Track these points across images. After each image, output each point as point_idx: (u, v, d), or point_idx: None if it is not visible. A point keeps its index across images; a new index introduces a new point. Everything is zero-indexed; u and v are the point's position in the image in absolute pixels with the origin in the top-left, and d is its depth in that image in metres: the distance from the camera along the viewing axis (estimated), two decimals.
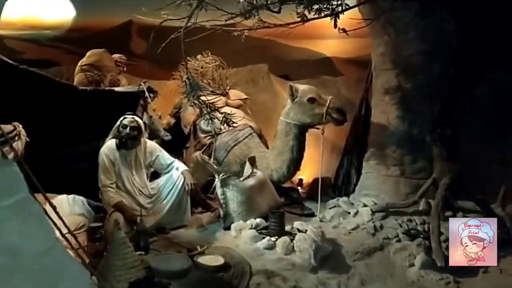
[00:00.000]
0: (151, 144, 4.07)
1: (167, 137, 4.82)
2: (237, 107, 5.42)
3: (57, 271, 1.36)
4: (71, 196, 3.83)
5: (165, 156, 4.08)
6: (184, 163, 5.00)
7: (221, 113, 4.28)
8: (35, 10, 6.73)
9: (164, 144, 5.16)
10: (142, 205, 3.85)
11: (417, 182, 4.41)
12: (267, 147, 5.07)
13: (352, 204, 4.58)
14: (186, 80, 2.75)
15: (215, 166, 4.67)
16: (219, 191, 4.02)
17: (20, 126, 2.60)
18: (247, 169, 4.46)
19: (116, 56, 5.36)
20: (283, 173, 4.61)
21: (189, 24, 2.66)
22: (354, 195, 4.79)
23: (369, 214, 4.16)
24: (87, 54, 5.19)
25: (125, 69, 5.47)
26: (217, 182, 4.04)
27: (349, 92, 6.24)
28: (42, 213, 1.44)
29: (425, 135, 4.25)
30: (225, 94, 5.43)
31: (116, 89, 4.26)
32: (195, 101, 2.92)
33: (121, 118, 3.78)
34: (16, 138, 2.52)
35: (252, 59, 6.93)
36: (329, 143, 5.36)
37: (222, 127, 3.69)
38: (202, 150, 5.02)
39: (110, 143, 3.80)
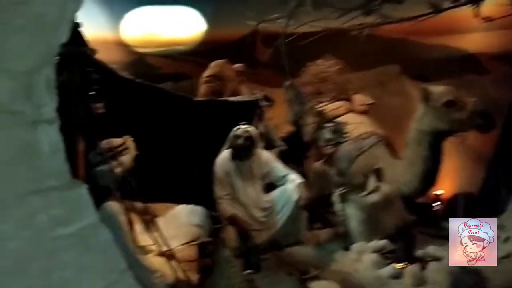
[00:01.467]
0: (266, 155, 3.90)
1: (283, 147, 4.61)
2: (361, 113, 4.99)
3: None
4: (190, 206, 3.86)
5: (279, 167, 3.87)
6: (305, 174, 4.74)
7: (332, 122, 3.95)
8: (161, 28, 7.22)
9: (285, 154, 5.00)
10: (256, 218, 3.69)
11: None
12: (397, 158, 4.53)
13: (503, 226, 3.80)
14: (288, 87, 2.48)
15: (336, 178, 4.32)
16: (338, 206, 3.66)
17: (130, 139, 2.61)
18: (372, 182, 4.01)
19: (236, 66, 5.36)
20: (414, 188, 4.00)
21: (295, 25, 2.40)
22: (505, 216, 3.97)
23: None
24: (210, 65, 5.29)
25: (246, 78, 5.43)
26: (336, 196, 3.68)
27: (498, 93, 5.30)
28: (110, 242, 1.29)
29: None
30: (348, 100, 5.03)
31: (231, 98, 4.20)
32: (299, 109, 2.62)
33: (235, 128, 3.68)
34: (125, 151, 2.54)
35: (381, 60, 6.37)
36: (473, 152, 4.60)
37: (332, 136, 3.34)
38: (323, 160, 4.70)
39: (224, 154, 3.73)
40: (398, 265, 3.10)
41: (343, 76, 5.08)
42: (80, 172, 2.55)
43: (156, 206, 3.75)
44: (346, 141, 4.64)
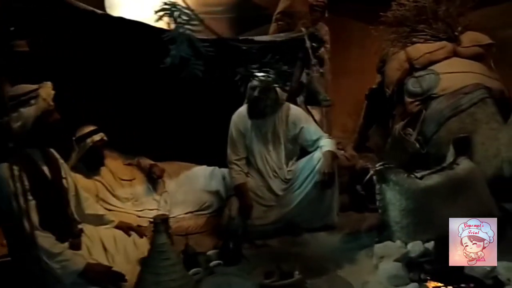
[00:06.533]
0: (296, 112, 3.02)
1: (327, 102, 3.59)
2: (472, 58, 3.62)
3: None
4: (211, 168, 3.35)
5: (311, 129, 2.97)
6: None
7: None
8: None
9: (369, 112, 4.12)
10: (274, 191, 2.96)
11: None
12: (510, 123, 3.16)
13: None
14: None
15: (417, 145, 3.28)
16: (376, 187, 2.66)
17: (47, 86, 2.08)
18: (449, 156, 2.87)
19: None
20: None
21: None
22: None
23: None
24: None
25: (326, 14, 4.40)
26: (372, 174, 2.68)
27: None
28: None
29: None
30: (454, 39, 3.68)
31: (262, 38, 3.32)
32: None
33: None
34: (32, 101, 2.03)
35: None
36: None
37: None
38: (406, 120, 3.59)
39: (242, 110, 3.02)
40: (434, 284, 2.08)
41: (449, 8, 3.70)
42: None
43: (167, 166, 3.34)
44: (440, 96, 3.45)
